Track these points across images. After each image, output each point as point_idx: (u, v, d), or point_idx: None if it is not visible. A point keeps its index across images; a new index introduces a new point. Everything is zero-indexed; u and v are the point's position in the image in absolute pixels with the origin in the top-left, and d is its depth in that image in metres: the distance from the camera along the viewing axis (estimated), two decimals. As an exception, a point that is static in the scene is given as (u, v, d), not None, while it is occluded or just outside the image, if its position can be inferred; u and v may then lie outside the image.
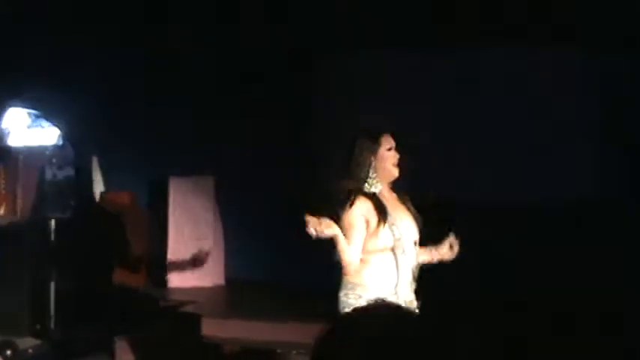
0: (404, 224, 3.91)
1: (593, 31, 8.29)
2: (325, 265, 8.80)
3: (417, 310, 3.92)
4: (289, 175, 9.20)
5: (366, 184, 3.90)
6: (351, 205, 3.87)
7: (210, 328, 7.11)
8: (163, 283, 9.03)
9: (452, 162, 8.61)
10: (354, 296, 3.85)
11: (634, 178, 8.30)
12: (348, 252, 3.86)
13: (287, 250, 9.09)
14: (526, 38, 8.56)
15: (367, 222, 3.84)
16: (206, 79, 9.38)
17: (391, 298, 3.79)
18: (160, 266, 9.13)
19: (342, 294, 3.91)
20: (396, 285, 3.83)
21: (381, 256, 3.85)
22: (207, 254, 9.01)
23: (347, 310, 3.82)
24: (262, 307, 7.76)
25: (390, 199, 3.93)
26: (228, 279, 9.22)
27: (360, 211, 3.85)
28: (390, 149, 3.95)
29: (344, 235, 3.85)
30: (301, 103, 9.26)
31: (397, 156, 3.95)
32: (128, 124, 9.43)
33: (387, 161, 3.94)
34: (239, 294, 8.81)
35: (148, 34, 9.37)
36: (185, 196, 9.17)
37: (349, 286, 3.89)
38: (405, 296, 3.85)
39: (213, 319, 7.35)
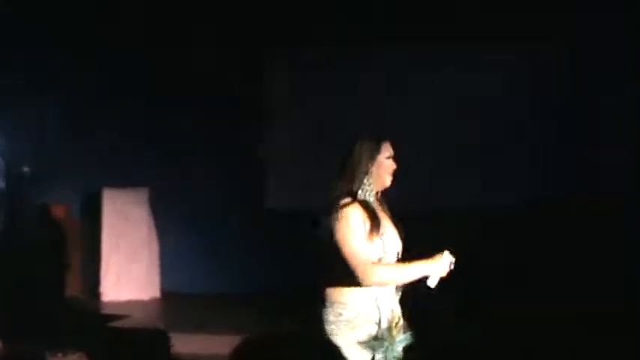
0: (390, 234, 3.83)
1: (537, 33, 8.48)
2: (261, 276, 8.85)
3: (401, 321, 3.82)
4: (228, 187, 9.17)
5: (360, 191, 3.80)
6: (345, 207, 3.69)
7: (145, 342, 7.02)
8: (98, 296, 8.91)
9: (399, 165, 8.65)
10: (334, 314, 3.72)
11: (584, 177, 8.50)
12: (363, 261, 3.63)
13: (224, 262, 9.09)
14: (471, 41, 8.68)
15: (361, 230, 3.72)
16: (141, 89, 9.28)
17: (373, 312, 3.70)
18: (94, 279, 9.01)
19: (322, 311, 3.73)
20: (377, 298, 3.74)
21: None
22: (142, 267, 8.91)
23: (328, 327, 3.70)
24: (197, 320, 7.70)
25: (377, 208, 3.86)
26: (164, 292, 9.13)
27: (359, 214, 3.69)
28: (388, 157, 3.88)
29: (344, 240, 3.65)
30: (242, 114, 9.21)
31: (394, 165, 3.88)
32: (61, 135, 9.28)
33: (384, 169, 3.84)
34: (175, 307, 8.72)
35: (79, 43, 9.25)
36: (119, 207, 9.04)
37: (327, 303, 3.73)
38: (386, 308, 3.76)
39: (148, 332, 7.26)
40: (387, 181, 3.86)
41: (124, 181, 9.03)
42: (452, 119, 8.84)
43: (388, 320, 3.74)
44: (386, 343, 3.70)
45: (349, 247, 3.65)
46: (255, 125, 9.29)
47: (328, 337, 3.50)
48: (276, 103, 9.37)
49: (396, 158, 3.86)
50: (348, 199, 3.73)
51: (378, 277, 3.64)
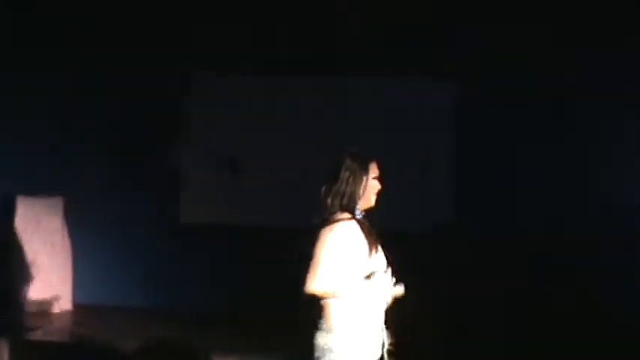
0: (380, 252, 3.79)
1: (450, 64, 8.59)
2: (176, 289, 8.77)
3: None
4: (142, 199, 9.08)
5: (357, 210, 3.75)
6: (341, 221, 3.67)
7: (54, 355, 6.91)
8: (7, 307, 8.69)
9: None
10: (335, 340, 3.59)
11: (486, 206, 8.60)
12: (321, 271, 3.57)
13: (137, 275, 9.00)
14: (382, 70, 8.76)
15: (353, 248, 3.63)
16: (56, 97, 9.14)
17: (378, 332, 3.66)
18: (3, 290, 8.79)
19: (320, 338, 3.62)
20: (378, 317, 3.68)
21: (366, 286, 3.63)
22: (54, 278, 8.76)
23: (328, 356, 3.58)
24: (107, 333, 7.61)
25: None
26: (76, 304, 8.97)
27: (354, 231, 3.67)
28: (374, 178, 3.85)
29: (320, 250, 3.60)
30: (159, 125, 9.13)
31: (379, 186, 3.85)
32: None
33: (370, 189, 3.82)
34: (86, 319, 8.57)
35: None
36: (33, 216, 8.85)
37: (327, 328, 3.63)
38: (384, 333, 3.73)
39: (58, 345, 7.15)
40: (372, 200, 3.85)
41: (38, 189, 8.85)
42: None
43: (384, 344, 3.70)
44: None
45: (321, 256, 3.59)
46: (173, 137, 9.21)
47: None
48: (193, 117, 9.31)
49: (380, 178, 3.84)
50: (345, 215, 3.70)
51: (318, 285, 3.56)
